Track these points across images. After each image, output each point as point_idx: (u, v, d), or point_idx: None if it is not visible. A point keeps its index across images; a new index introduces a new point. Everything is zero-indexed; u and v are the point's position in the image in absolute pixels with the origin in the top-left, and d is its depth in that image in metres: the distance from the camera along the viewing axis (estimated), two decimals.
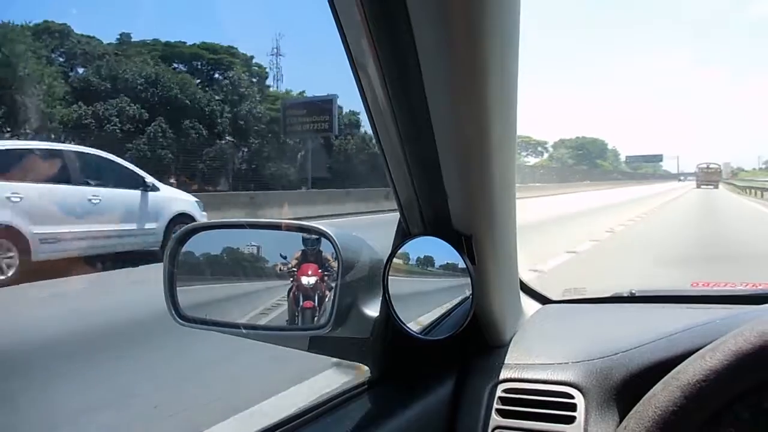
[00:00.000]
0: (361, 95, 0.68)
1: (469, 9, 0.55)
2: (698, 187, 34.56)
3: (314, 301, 0.81)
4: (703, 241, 7.24)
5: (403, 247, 0.80)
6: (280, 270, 0.82)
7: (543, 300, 1.16)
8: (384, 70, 0.63)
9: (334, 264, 0.79)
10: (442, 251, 0.78)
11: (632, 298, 1.16)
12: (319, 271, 0.80)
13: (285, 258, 0.83)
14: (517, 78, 0.68)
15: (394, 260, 0.80)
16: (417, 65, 0.61)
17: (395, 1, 0.56)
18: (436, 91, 0.63)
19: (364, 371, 0.89)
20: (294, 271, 0.81)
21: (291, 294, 0.81)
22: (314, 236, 0.81)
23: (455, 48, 0.58)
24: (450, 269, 0.78)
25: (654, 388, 0.46)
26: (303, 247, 0.81)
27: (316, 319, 0.81)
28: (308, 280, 0.80)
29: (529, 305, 1.10)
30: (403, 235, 0.83)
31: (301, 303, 0.81)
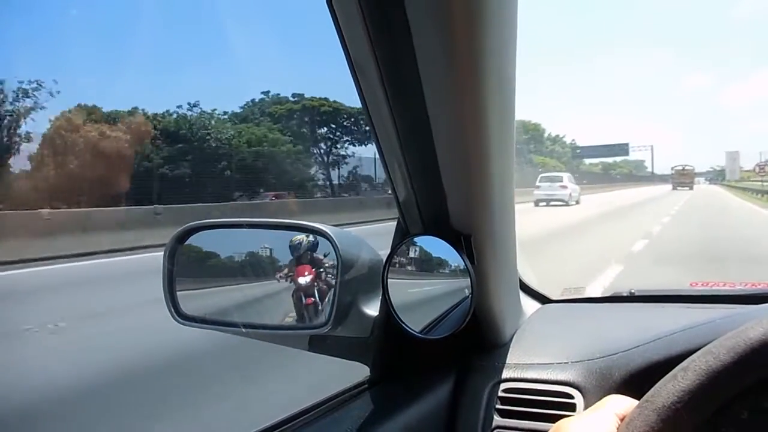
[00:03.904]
0: (359, 96, 0.68)
1: (468, 10, 0.55)
2: (674, 188, 34.80)
3: (315, 297, 0.84)
4: None
5: (402, 247, 0.80)
6: (280, 278, 0.86)
7: (542, 299, 1.16)
8: (383, 71, 0.63)
9: (327, 261, 0.83)
10: (441, 251, 0.78)
11: (631, 298, 1.16)
12: (313, 270, 0.84)
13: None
14: (515, 78, 0.68)
15: (394, 260, 0.80)
16: (415, 66, 0.61)
17: (394, 2, 0.56)
18: (434, 91, 0.63)
19: (363, 370, 0.89)
20: (291, 275, 0.85)
21: (294, 295, 0.85)
22: (310, 238, 0.84)
23: (454, 48, 0.59)
24: (449, 268, 0.78)
25: (631, 412, 0.47)
26: (291, 255, 0.86)
27: (317, 315, 0.84)
28: (305, 280, 0.84)
29: (528, 305, 1.10)
30: (402, 235, 0.83)
31: (303, 301, 0.85)
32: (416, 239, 0.80)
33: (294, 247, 0.85)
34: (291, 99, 19.03)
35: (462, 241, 0.77)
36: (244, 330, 0.86)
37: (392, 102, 0.66)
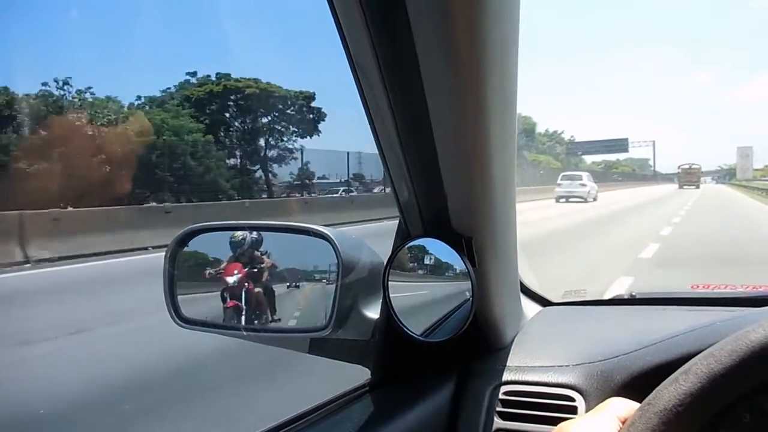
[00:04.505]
0: (360, 96, 0.68)
1: (469, 10, 0.56)
2: (680, 187, 34.54)
3: (240, 300, 0.83)
4: None
5: (403, 249, 0.80)
6: (210, 275, 0.85)
7: (543, 302, 1.15)
8: (384, 71, 0.63)
9: (267, 261, 0.82)
10: (442, 253, 0.78)
11: (632, 300, 1.16)
12: (245, 269, 0.82)
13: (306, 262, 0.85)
14: (516, 79, 0.68)
15: (395, 262, 0.80)
16: (417, 66, 0.61)
17: (395, 2, 0.56)
18: (435, 92, 0.63)
19: (364, 373, 0.89)
20: (221, 272, 0.84)
21: (221, 294, 0.84)
22: (253, 235, 0.83)
23: (455, 49, 0.59)
24: (450, 271, 0.78)
25: (632, 415, 0.47)
26: (231, 251, 0.84)
27: (237, 318, 0.83)
28: (232, 280, 0.83)
29: (529, 307, 1.10)
30: (403, 237, 0.83)
31: (227, 301, 0.84)
32: (417, 241, 0.80)
33: (236, 244, 0.83)
34: (213, 80, 15.82)
35: (463, 244, 0.77)
36: (245, 333, 0.86)
37: (393, 102, 0.66)
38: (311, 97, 17.03)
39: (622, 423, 0.48)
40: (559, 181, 21.95)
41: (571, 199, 19.82)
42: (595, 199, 20.56)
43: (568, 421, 0.50)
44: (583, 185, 21.20)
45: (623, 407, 0.50)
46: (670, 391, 0.45)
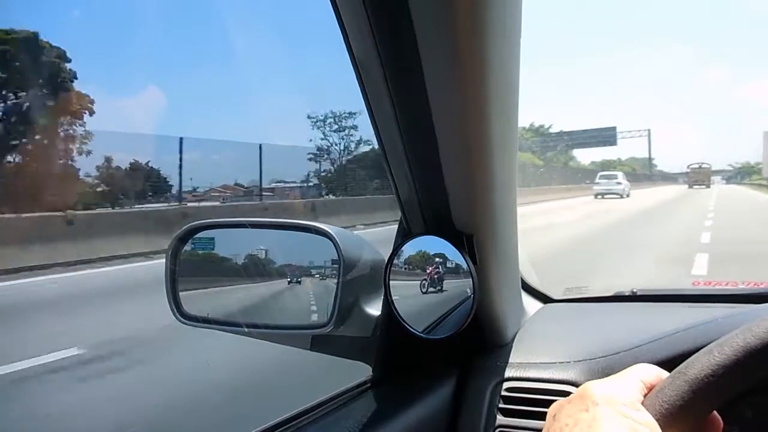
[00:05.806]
0: (363, 94, 0.68)
1: (471, 9, 0.56)
2: (690, 187, 33.98)
3: None
4: None
5: (404, 247, 0.80)
6: None
7: (545, 299, 1.16)
8: (386, 70, 0.63)
9: None
10: (443, 250, 0.78)
11: (634, 297, 1.16)
12: None
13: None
14: (518, 77, 0.68)
15: (396, 260, 0.80)
16: (419, 64, 0.61)
17: (398, 0, 0.56)
18: (437, 90, 0.63)
19: (365, 370, 0.89)
20: None
21: None
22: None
23: (457, 47, 0.59)
24: (451, 268, 0.78)
25: (662, 381, 0.47)
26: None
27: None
28: None
29: (530, 304, 1.10)
30: (404, 235, 0.83)
31: None
32: (418, 239, 0.80)
33: None
34: None
35: (464, 241, 0.77)
36: (246, 330, 0.86)
37: (395, 100, 0.66)
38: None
39: (646, 387, 0.47)
40: (597, 180, 25.56)
41: (606, 196, 22.65)
42: (628, 196, 22.96)
43: (592, 381, 0.49)
44: (619, 183, 24.10)
45: (650, 373, 0.49)
46: (702, 362, 0.45)
